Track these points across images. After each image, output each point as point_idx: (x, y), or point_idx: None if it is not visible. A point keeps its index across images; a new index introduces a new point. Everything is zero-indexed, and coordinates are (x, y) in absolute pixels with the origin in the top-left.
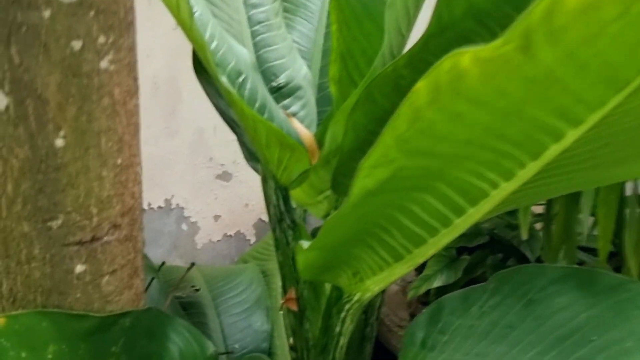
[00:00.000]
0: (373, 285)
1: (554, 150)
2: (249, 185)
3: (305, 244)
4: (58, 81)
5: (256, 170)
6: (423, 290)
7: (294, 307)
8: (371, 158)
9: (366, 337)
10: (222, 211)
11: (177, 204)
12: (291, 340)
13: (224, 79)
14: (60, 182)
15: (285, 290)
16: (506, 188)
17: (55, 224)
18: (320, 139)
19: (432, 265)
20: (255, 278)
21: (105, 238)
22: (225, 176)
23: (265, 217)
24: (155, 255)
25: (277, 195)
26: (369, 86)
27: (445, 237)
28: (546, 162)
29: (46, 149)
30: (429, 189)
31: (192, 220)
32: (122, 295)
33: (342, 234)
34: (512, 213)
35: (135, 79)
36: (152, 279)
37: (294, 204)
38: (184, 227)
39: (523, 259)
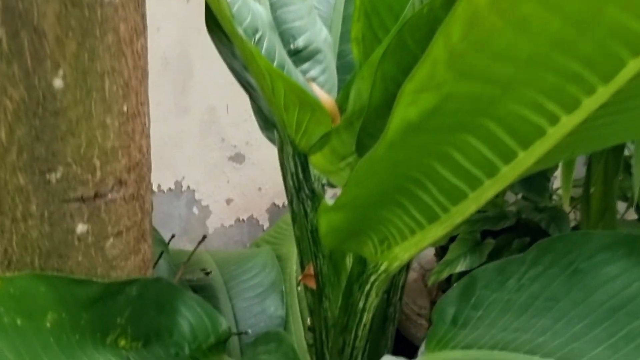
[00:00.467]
0: (402, 253)
1: (631, 68)
2: (262, 168)
3: (330, 201)
4: (56, 11)
5: (271, 140)
6: (445, 275)
7: (312, 284)
8: (416, 79)
9: (389, 317)
10: (234, 195)
11: (188, 187)
12: (308, 320)
13: (240, 31)
14: (60, 129)
15: (302, 267)
16: (566, 124)
17: (54, 176)
18: (341, 104)
19: (454, 250)
20: (269, 261)
21: (110, 195)
22: (237, 158)
23: (279, 201)
24: (165, 239)
25: (295, 162)
26: (400, 31)
27: (489, 190)
28: (618, 86)
29: (43, 90)
30: (475, 129)
31: (204, 203)
32: (128, 260)
33: (370, 187)
34: (541, 193)
35: (143, 17)
36: (162, 252)
37: (313, 173)
38: (195, 210)
39: None
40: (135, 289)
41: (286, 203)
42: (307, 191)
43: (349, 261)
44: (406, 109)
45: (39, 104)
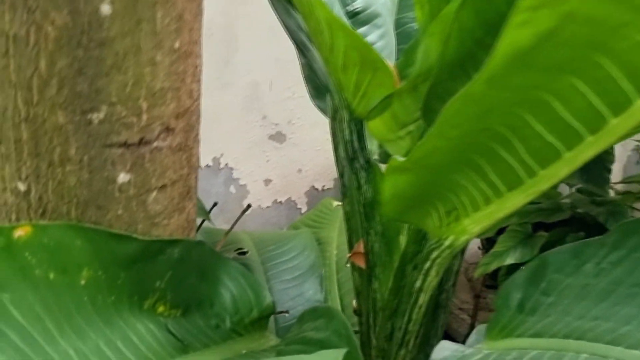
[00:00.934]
0: (472, 225)
1: None
2: (303, 149)
3: (398, 158)
4: None
5: (322, 110)
6: (493, 267)
7: (362, 263)
8: None
9: (440, 304)
10: (273, 175)
11: (226, 164)
12: (354, 303)
13: None
14: (105, 63)
15: (351, 246)
16: None
17: (96, 117)
18: (401, 70)
19: (504, 241)
20: (309, 244)
21: (156, 143)
22: (278, 137)
23: (319, 185)
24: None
25: (351, 129)
26: None
27: (588, 150)
28: None
29: (89, 16)
30: (587, 69)
31: (241, 182)
32: (172, 219)
33: (451, 139)
34: (600, 185)
35: None
36: (203, 220)
37: (369, 142)
38: (232, 189)
39: None
40: (178, 251)
41: (326, 187)
42: (361, 161)
43: (403, 239)
44: (517, 32)
45: (84, 33)
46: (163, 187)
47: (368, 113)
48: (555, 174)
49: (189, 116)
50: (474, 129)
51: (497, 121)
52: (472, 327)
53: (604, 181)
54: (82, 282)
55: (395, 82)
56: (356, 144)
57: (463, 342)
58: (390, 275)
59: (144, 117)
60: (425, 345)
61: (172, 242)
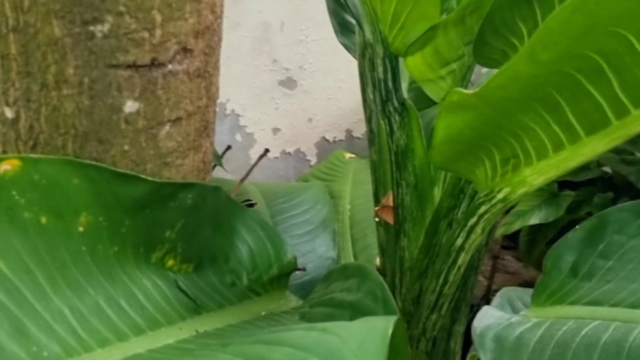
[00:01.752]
0: (534, 176)
1: None
2: (314, 97)
3: (463, 90)
4: None
5: (348, 48)
6: (516, 227)
7: (390, 218)
8: None
9: (471, 266)
10: (282, 124)
11: (233, 110)
12: (377, 261)
13: None
14: None
15: (377, 199)
16: None
17: (99, 29)
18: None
19: (528, 200)
20: (321, 197)
21: (170, 66)
22: (289, 83)
23: (330, 136)
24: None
25: (385, 66)
26: None
27: None
28: None
29: None
30: None
31: (248, 131)
32: (186, 158)
33: (526, 74)
34: (634, 141)
35: None
36: (214, 165)
37: (404, 82)
38: (238, 137)
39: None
40: (191, 197)
41: (337, 138)
42: (395, 103)
43: (437, 192)
44: None
45: None
46: (177, 120)
47: (407, 48)
48: None
49: (210, 36)
50: (569, 53)
51: (597, 42)
52: (488, 290)
53: (639, 137)
54: (80, 228)
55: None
56: (390, 83)
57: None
58: (421, 232)
59: (158, 32)
60: (453, 310)
61: (186, 186)
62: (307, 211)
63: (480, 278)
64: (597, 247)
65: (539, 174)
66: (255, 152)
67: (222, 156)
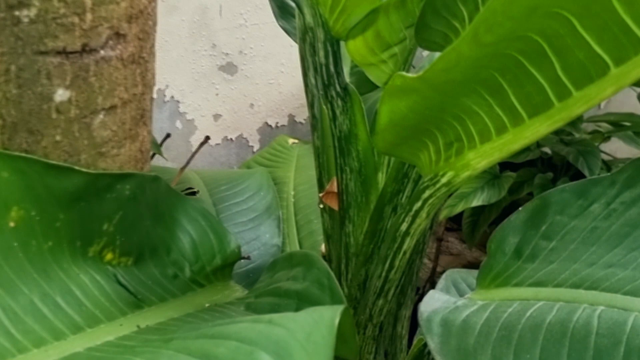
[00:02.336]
0: (478, 159)
1: None
2: (255, 83)
3: (407, 74)
4: None
5: (288, 32)
6: (459, 209)
7: (334, 204)
8: None
9: (417, 249)
10: (223, 110)
11: (172, 97)
12: (323, 247)
13: None
14: None
15: (321, 185)
16: None
17: (25, 14)
18: None
19: (470, 183)
20: (265, 184)
21: (102, 52)
22: (229, 68)
23: (272, 121)
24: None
25: (326, 50)
26: None
27: None
28: None
29: None
30: None
31: (189, 117)
32: (122, 148)
33: (481, 49)
34: (572, 123)
35: None
36: (153, 154)
37: (346, 66)
38: (179, 124)
39: (578, 179)
40: (129, 188)
41: (280, 123)
42: (338, 88)
43: (381, 177)
44: None
45: None
46: (112, 108)
47: (348, 31)
48: (594, 96)
49: (144, 20)
50: (511, 35)
51: (540, 24)
52: (433, 272)
53: (577, 118)
54: (11, 224)
55: None
56: (332, 68)
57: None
58: (366, 218)
59: (88, 17)
60: (399, 294)
61: (123, 177)
62: (250, 198)
63: (425, 260)
64: (540, 229)
65: (482, 157)
66: (196, 139)
67: (161, 144)
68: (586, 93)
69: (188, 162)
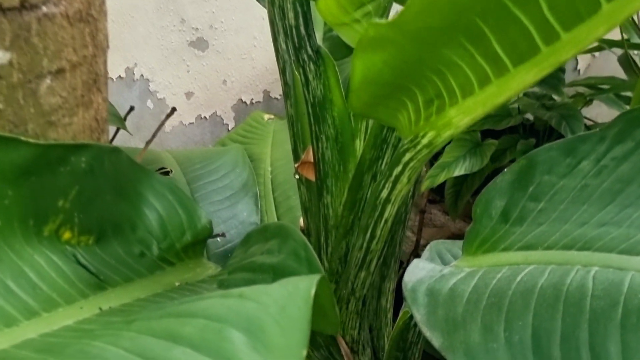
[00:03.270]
0: (460, 116)
1: None
2: (227, 58)
3: (379, 20)
4: None
5: None
6: (441, 179)
7: (311, 174)
8: None
9: (398, 220)
10: (195, 87)
11: (142, 75)
12: (301, 221)
13: None
14: None
15: (297, 155)
16: None
17: None
18: None
19: (451, 151)
20: (240, 161)
21: (45, 8)
22: (199, 44)
23: (247, 98)
24: (115, 138)
25: (296, 12)
26: None
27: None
28: None
29: None
30: None
31: (160, 96)
32: (75, 116)
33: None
34: (554, 86)
35: None
36: (118, 130)
37: (319, 31)
38: (149, 104)
39: None
40: (85, 160)
41: (255, 100)
42: (309, 51)
43: (359, 145)
44: None
45: None
46: (60, 71)
47: None
48: (583, 38)
49: None
50: None
51: None
52: (417, 245)
53: (558, 81)
54: None
55: None
56: (302, 30)
57: (408, 262)
58: (345, 187)
59: None
60: (382, 266)
61: (78, 148)
62: (226, 176)
63: (409, 233)
64: (527, 190)
65: (465, 113)
66: (169, 119)
67: (125, 118)
68: (575, 35)
69: (153, 137)
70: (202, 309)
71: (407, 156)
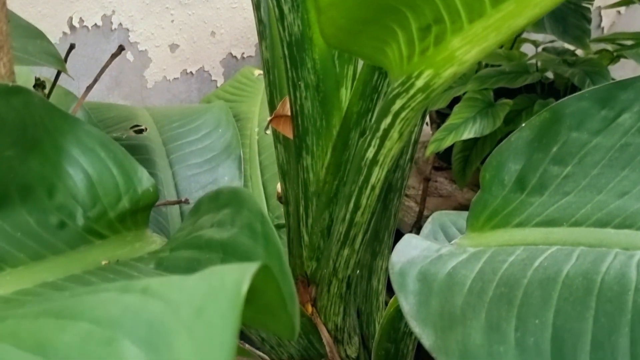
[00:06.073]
0: (466, 47)
1: None
2: (216, 7)
3: None
4: None
5: None
6: (448, 143)
7: (287, 131)
8: None
9: (393, 187)
10: (180, 39)
11: (120, 24)
12: (278, 187)
13: None
14: None
15: (272, 107)
16: None
17: None
18: None
19: (460, 112)
20: (224, 119)
21: None
22: None
23: (237, 52)
24: (91, 94)
25: None
26: None
27: None
28: None
29: None
30: None
31: (141, 48)
32: None
33: None
34: (579, 39)
35: None
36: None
37: None
38: (130, 57)
39: None
40: None
41: (246, 54)
42: None
43: (345, 94)
44: None
45: None
46: None
47: None
48: None
49: None
50: None
51: None
52: (420, 216)
53: (583, 32)
54: None
55: None
56: None
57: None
58: (328, 147)
59: None
60: (373, 241)
61: None
62: (207, 136)
63: (411, 203)
64: (549, 150)
65: (472, 43)
66: (150, 73)
67: (66, 59)
68: None
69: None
70: (91, 308)
71: (398, 104)
